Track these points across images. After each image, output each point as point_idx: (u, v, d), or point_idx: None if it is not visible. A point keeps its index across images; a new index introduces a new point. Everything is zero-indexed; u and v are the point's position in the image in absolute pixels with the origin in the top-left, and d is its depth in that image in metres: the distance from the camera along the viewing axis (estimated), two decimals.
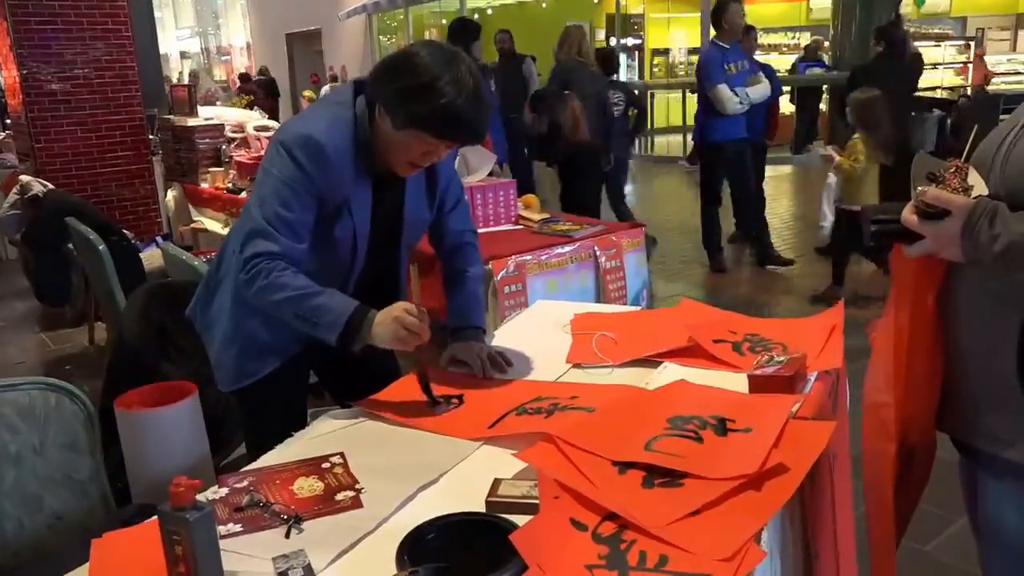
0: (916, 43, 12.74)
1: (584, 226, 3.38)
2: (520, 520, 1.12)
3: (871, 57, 6.13)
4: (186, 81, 12.46)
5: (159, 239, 5.36)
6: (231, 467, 1.64)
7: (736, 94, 5.33)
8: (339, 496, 1.28)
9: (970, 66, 13.11)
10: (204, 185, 5.48)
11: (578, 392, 1.56)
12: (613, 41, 14.07)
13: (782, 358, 1.51)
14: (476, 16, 12.92)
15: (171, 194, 5.99)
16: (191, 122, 5.75)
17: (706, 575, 0.99)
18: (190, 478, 1.02)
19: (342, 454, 1.41)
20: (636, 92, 6.82)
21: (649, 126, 13.18)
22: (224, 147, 5.66)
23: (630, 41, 15.01)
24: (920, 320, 1.29)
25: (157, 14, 10.55)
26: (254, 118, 6.56)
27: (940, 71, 12.96)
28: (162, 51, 13.25)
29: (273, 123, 6.64)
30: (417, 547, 1.09)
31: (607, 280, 3.23)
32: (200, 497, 1.12)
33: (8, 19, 5.80)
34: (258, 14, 19.81)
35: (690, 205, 9.04)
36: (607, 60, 6.38)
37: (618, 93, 6.09)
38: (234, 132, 5.95)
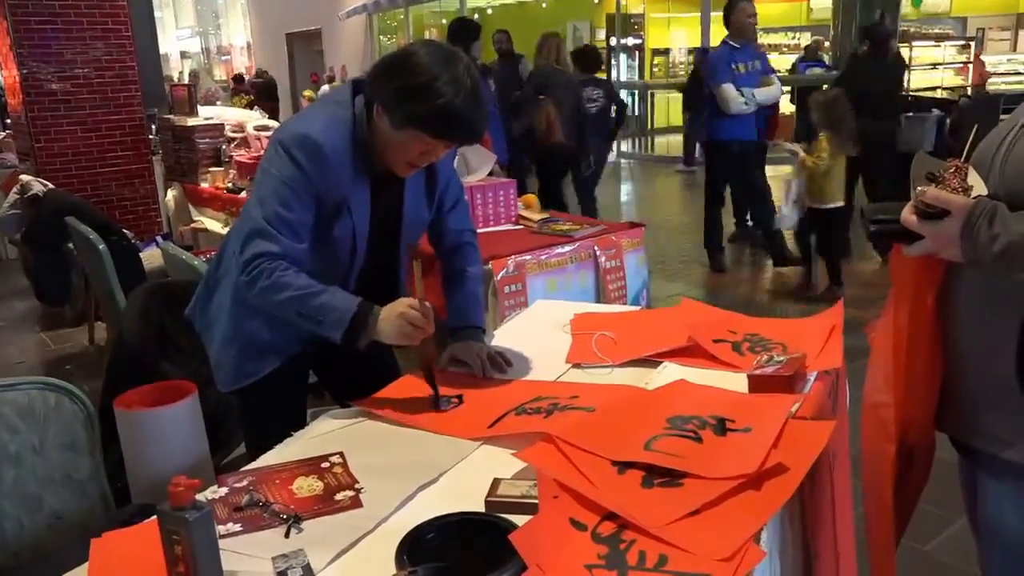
0: (916, 43, 12.79)
1: (584, 226, 3.38)
2: (519, 520, 1.13)
3: (857, 57, 6.17)
4: (186, 81, 12.45)
5: (159, 239, 5.36)
6: (231, 467, 1.64)
7: (742, 94, 5.32)
8: (338, 496, 1.28)
9: (970, 66, 13.11)
10: (204, 185, 5.48)
11: (578, 392, 1.56)
12: (613, 41, 14.06)
13: (782, 358, 1.51)
14: (476, 16, 12.92)
15: (171, 194, 5.99)
16: (191, 122, 5.75)
17: (705, 575, 0.99)
18: (189, 478, 1.02)
19: (342, 454, 1.41)
20: (616, 89, 6.93)
21: (649, 126, 13.20)
22: (224, 147, 5.65)
23: (630, 41, 15.01)
24: (919, 320, 1.29)
25: (157, 14, 10.55)
26: (254, 118, 6.56)
27: (940, 71, 12.96)
28: (162, 51, 13.25)
29: (273, 123, 6.64)
30: (416, 547, 1.09)
31: (607, 280, 3.23)
32: (200, 497, 1.12)
33: (8, 19, 5.80)
34: (258, 14, 19.81)
35: (689, 205, 9.05)
36: (588, 58, 6.43)
37: (597, 90, 6.18)
38: (234, 132, 5.95)
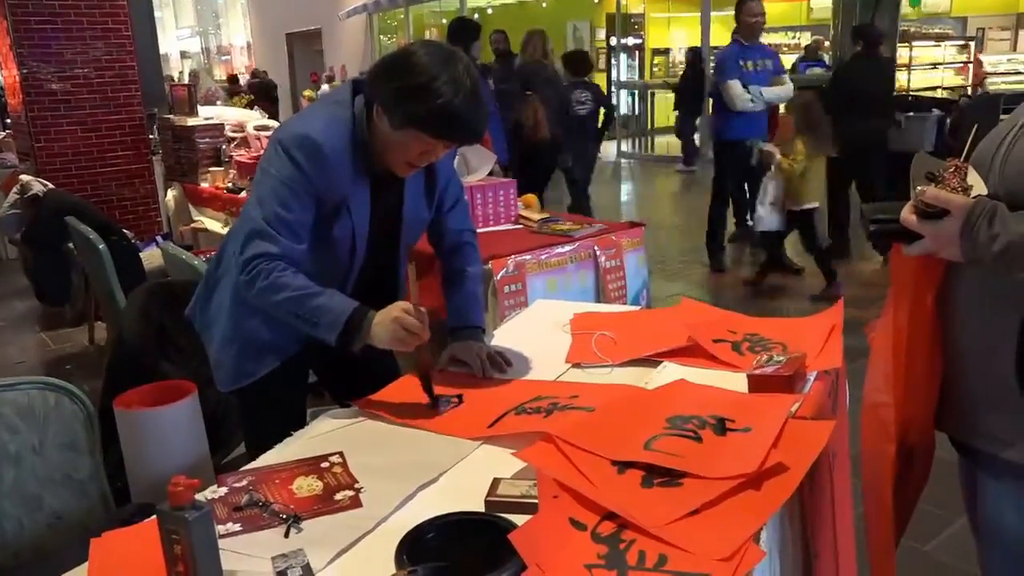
0: (916, 42, 12.79)
1: (584, 226, 3.38)
2: (519, 519, 1.12)
3: (848, 57, 6.20)
4: (186, 81, 12.44)
5: (159, 239, 5.36)
6: (230, 466, 1.64)
7: (749, 92, 5.31)
8: (338, 495, 1.28)
9: (971, 66, 13.11)
10: (204, 185, 5.47)
11: (578, 392, 1.56)
12: (613, 41, 14.05)
13: (781, 358, 1.51)
14: (476, 16, 12.92)
15: (171, 194, 5.99)
16: (191, 122, 5.75)
17: (705, 575, 0.99)
18: (189, 477, 1.02)
19: (341, 453, 1.41)
20: (605, 92, 7.02)
21: (649, 126, 13.19)
22: (224, 147, 5.65)
23: (630, 41, 15.00)
24: (919, 320, 1.29)
25: (157, 14, 10.54)
26: (254, 118, 6.56)
27: (940, 71, 12.95)
28: (162, 51, 13.24)
29: (273, 123, 6.64)
30: (416, 546, 1.09)
31: (607, 280, 3.23)
32: (199, 496, 1.12)
33: (8, 19, 5.80)
34: (258, 14, 19.81)
35: (689, 205, 9.05)
36: (579, 62, 6.50)
37: (586, 93, 6.25)
38: (234, 132, 5.94)
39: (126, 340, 2.62)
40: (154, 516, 1.07)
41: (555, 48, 6.39)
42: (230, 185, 5.19)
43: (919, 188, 1.15)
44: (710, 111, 7.47)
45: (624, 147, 12.87)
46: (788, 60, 12.64)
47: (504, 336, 1.97)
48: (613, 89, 13.90)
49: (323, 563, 1.11)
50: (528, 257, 3.04)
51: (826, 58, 11.27)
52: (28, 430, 1.55)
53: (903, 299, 1.30)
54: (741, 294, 5.35)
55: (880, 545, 1.41)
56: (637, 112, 13.30)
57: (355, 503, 1.26)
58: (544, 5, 15.00)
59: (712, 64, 11.11)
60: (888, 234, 1.22)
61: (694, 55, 11.31)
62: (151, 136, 6.63)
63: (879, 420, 1.35)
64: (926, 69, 12.73)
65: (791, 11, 15.30)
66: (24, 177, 5.18)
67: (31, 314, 5.57)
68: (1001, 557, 1.32)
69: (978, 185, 1.16)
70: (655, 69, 15.77)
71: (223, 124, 5.85)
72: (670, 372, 1.63)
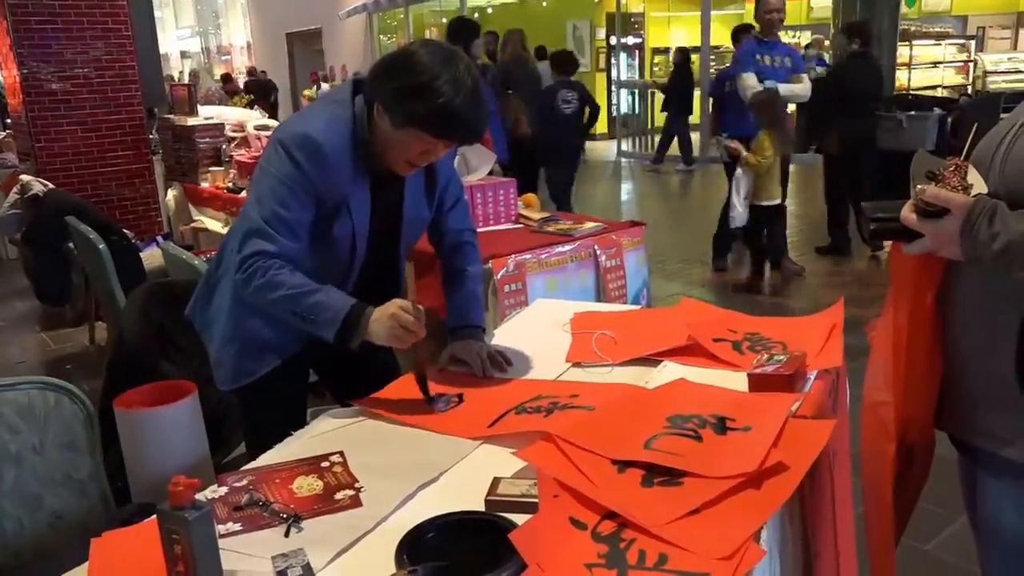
0: (916, 41, 12.79)
1: (584, 225, 3.38)
2: (519, 519, 1.12)
3: (845, 56, 6.20)
4: (186, 80, 12.44)
5: (159, 238, 5.36)
6: (231, 466, 1.64)
7: (764, 86, 5.31)
8: (338, 495, 1.28)
9: (971, 65, 13.11)
10: (204, 184, 5.47)
11: (578, 391, 1.56)
12: (613, 40, 14.05)
13: (782, 357, 1.51)
14: (476, 15, 12.92)
15: (171, 193, 5.99)
16: (191, 121, 5.74)
17: (705, 574, 0.99)
18: (189, 477, 1.02)
19: (341, 453, 1.41)
20: (589, 90, 7.08)
21: (649, 125, 13.19)
22: (224, 146, 5.65)
23: (630, 40, 14.99)
24: (919, 319, 1.29)
25: (157, 14, 10.52)
26: (254, 117, 6.56)
27: (940, 70, 12.95)
28: (162, 51, 13.23)
29: (273, 122, 6.64)
30: (416, 546, 1.09)
31: (607, 279, 3.23)
32: (199, 496, 1.12)
33: (8, 19, 5.80)
34: (258, 13, 19.80)
35: (689, 204, 9.05)
36: (564, 61, 6.56)
37: (571, 92, 6.33)
38: (234, 131, 5.94)
39: (126, 340, 2.62)
40: (154, 516, 1.07)
41: (555, 48, 6.46)
42: (230, 185, 5.19)
43: (919, 187, 1.15)
44: (710, 110, 7.46)
45: (624, 147, 12.86)
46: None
47: (504, 335, 1.97)
48: (613, 88, 13.90)
49: (323, 563, 1.11)
50: (528, 256, 3.04)
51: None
52: (28, 430, 1.55)
53: (903, 298, 1.30)
54: (741, 294, 5.35)
55: (880, 544, 1.41)
56: (637, 111, 13.30)
57: (355, 503, 1.26)
58: (544, 4, 15.00)
59: (712, 64, 11.16)
60: (888, 232, 1.22)
61: (682, 55, 11.34)
62: (151, 136, 6.63)
63: (879, 419, 1.35)
64: (927, 68, 12.74)
65: (791, 11, 15.23)
66: (24, 177, 5.18)
67: (31, 314, 5.58)
68: (1001, 555, 1.32)
69: (978, 184, 1.16)
70: (655, 68, 15.77)
71: (223, 124, 5.85)
72: (670, 371, 1.63)
